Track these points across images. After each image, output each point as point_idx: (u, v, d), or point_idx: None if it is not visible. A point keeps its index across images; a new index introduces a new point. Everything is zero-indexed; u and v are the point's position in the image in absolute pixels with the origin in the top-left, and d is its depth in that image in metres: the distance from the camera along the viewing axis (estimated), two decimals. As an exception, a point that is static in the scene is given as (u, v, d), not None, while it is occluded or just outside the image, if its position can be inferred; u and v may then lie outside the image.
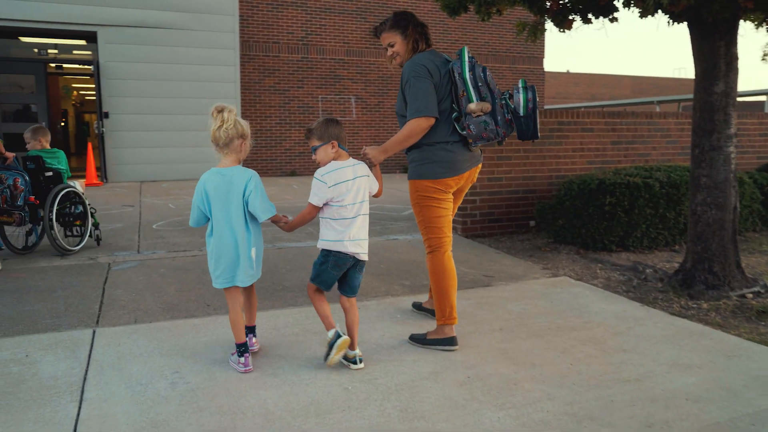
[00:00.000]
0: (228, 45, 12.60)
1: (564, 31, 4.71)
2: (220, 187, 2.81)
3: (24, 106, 12.19)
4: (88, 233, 5.56)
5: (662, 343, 3.28)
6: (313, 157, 2.90)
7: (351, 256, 2.86)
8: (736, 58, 4.21)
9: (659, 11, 4.06)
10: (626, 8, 4.22)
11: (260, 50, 13.53)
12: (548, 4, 4.56)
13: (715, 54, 4.20)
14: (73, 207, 5.43)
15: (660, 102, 24.97)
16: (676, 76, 42.12)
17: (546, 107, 22.33)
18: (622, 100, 29.62)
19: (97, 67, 11.67)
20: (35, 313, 3.73)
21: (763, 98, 23.82)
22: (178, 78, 12.25)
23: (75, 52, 13.29)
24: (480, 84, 3.04)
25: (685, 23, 4.35)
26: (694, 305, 3.97)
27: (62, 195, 5.26)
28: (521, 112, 3.02)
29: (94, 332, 3.39)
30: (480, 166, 3.32)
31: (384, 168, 14.52)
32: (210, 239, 2.87)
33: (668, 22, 4.41)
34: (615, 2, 4.36)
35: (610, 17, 4.58)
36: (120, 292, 4.19)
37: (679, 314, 3.81)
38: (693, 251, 4.33)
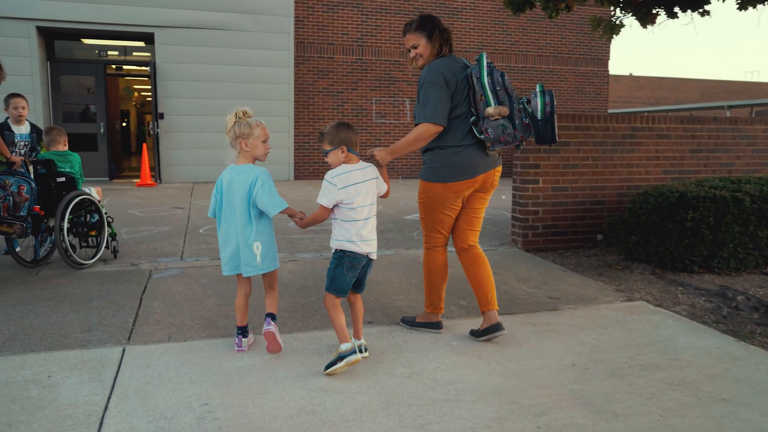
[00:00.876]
0: (283, 46, 12.47)
1: (646, 27, 4.21)
2: (231, 182, 3.04)
3: (84, 106, 12.39)
4: (104, 244, 5.13)
5: (770, 391, 2.77)
6: (326, 159, 2.98)
7: (365, 255, 2.95)
8: None
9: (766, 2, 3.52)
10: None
11: (315, 51, 13.35)
12: (630, -4, 4.09)
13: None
14: (88, 216, 5.06)
15: (731, 107, 23.52)
16: (748, 79, 39.88)
17: (609, 111, 21.39)
18: (689, 105, 28.15)
19: (154, 68, 11.73)
20: (67, 325, 3.52)
21: None
22: (232, 79, 12.19)
23: (135, 53, 13.45)
24: (498, 88, 3.08)
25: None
26: (801, 343, 3.41)
27: (75, 203, 4.85)
28: (539, 116, 3.05)
29: (123, 351, 3.14)
30: (500, 168, 3.34)
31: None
32: (219, 229, 3.14)
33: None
34: (708, -7, 3.85)
35: (701, 10, 4.07)
36: (157, 304, 3.95)
37: (783, 353, 3.26)
38: (796, 278, 3.75)
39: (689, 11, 4.10)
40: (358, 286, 3.06)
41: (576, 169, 5.90)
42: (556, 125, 3.07)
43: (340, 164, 2.92)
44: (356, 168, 2.93)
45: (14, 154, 5.34)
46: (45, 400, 2.58)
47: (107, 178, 12.50)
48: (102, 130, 12.40)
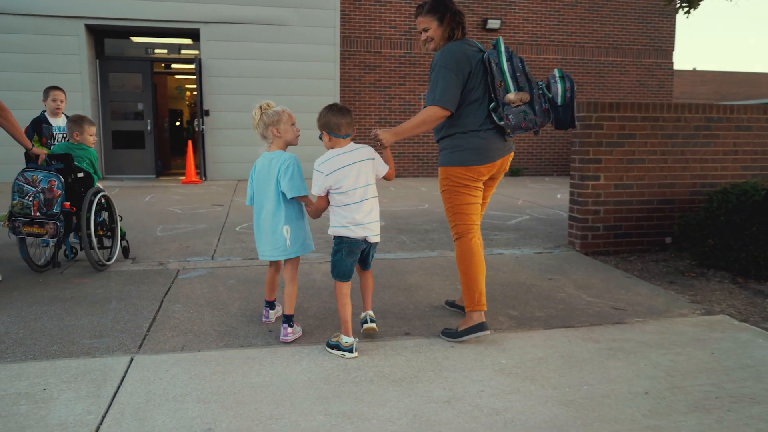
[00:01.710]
0: (328, 41, 12.17)
1: (731, -2, 3.62)
2: (262, 168, 3.15)
3: (132, 104, 12.42)
4: (119, 243, 4.84)
5: None
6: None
7: (362, 240, 2.93)
8: None
9: None
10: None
11: (361, 46, 13.01)
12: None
13: None
14: (104, 214, 4.76)
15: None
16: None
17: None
18: (760, 100, 26.44)
19: (199, 65, 11.63)
20: (78, 329, 3.24)
21: None
22: (276, 75, 11.98)
23: (184, 51, 13.43)
24: (518, 74, 3.02)
25: None
26: None
27: (97, 201, 4.56)
28: (559, 101, 2.99)
29: (131, 361, 2.83)
30: (512, 155, 3.28)
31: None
32: (254, 216, 3.21)
33: None
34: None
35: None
36: (178, 308, 3.64)
37: None
38: None
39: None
40: (363, 263, 3.09)
41: (642, 164, 5.32)
42: (575, 110, 3.06)
43: (329, 149, 2.96)
44: (343, 152, 2.92)
45: (52, 147, 5.19)
46: (33, 418, 2.27)
47: (154, 176, 12.51)
48: (149, 128, 12.41)
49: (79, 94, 11.30)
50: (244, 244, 5.52)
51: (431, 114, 3.06)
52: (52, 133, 5.54)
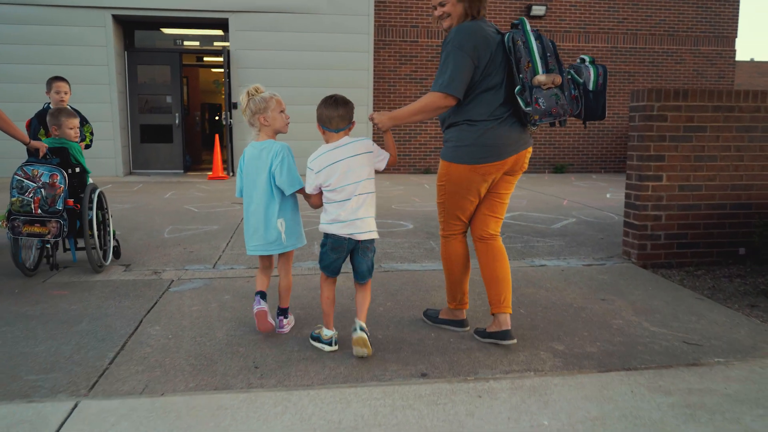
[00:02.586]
0: (362, 30, 11.56)
1: None
2: (252, 159, 2.95)
3: (160, 97, 12.07)
4: (111, 242, 4.47)
5: None
6: None
7: (345, 238, 2.75)
8: None
9: None
10: None
11: (397, 35, 12.35)
12: None
13: None
14: (100, 213, 4.36)
15: None
16: None
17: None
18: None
19: (228, 56, 11.20)
20: (29, 359, 2.72)
21: None
22: (307, 66, 11.45)
23: (216, 43, 13.04)
24: (549, 54, 2.73)
25: None
26: None
27: (97, 198, 4.24)
28: (590, 86, 2.78)
29: (74, 408, 2.27)
30: (530, 149, 2.93)
31: (532, 166, 12.75)
32: (244, 209, 3.02)
33: None
34: None
35: None
36: (156, 331, 3.09)
37: None
38: None
39: None
40: (358, 275, 2.85)
41: (713, 163, 4.52)
42: (606, 99, 2.67)
43: (325, 143, 2.80)
44: (334, 146, 2.75)
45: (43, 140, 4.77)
46: None
47: (182, 171, 12.15)
48: (177, 122, 12.04)
49: (106, 87, 11.00)
50: (254, 249, 4.97)
51: (432, 102, 2.75)
52: None
